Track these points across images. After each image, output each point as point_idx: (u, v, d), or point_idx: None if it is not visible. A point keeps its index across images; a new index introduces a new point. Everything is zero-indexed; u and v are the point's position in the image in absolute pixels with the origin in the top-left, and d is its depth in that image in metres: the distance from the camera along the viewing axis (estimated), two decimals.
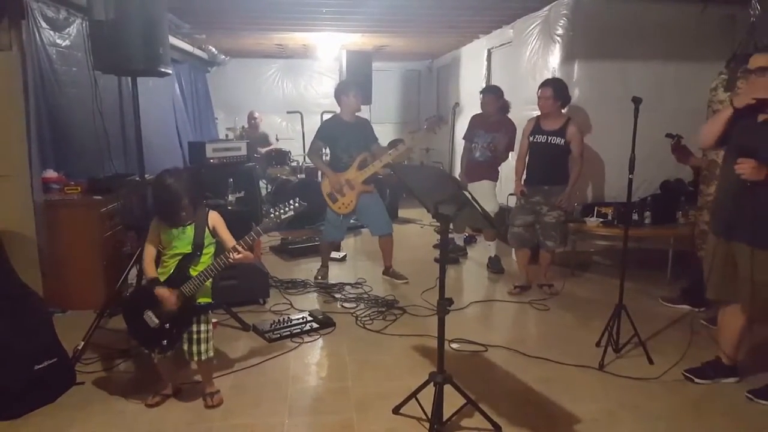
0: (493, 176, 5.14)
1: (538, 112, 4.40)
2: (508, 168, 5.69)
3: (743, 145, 2.61)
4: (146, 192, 3.60)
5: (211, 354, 2.76)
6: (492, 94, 5.12)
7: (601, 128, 5.00)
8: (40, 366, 2.76)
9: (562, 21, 5.00)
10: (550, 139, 4.25)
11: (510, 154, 5.11)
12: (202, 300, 2.70)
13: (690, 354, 3.29)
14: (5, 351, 2.67)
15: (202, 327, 2.70)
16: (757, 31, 4.49)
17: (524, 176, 4.45)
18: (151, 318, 2.62)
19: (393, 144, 4.81)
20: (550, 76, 5.00)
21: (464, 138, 5.37)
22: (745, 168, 2.52)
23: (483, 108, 5.14)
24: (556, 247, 4.44)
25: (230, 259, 2.57)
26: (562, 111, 4.30)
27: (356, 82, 5.32)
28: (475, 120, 5.28)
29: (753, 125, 2.65)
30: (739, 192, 2.64)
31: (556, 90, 4.20)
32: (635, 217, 4.84)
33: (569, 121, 4.25)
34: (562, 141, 4.23)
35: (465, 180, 5.16)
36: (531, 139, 4.35)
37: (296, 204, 2.63)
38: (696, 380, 2.97)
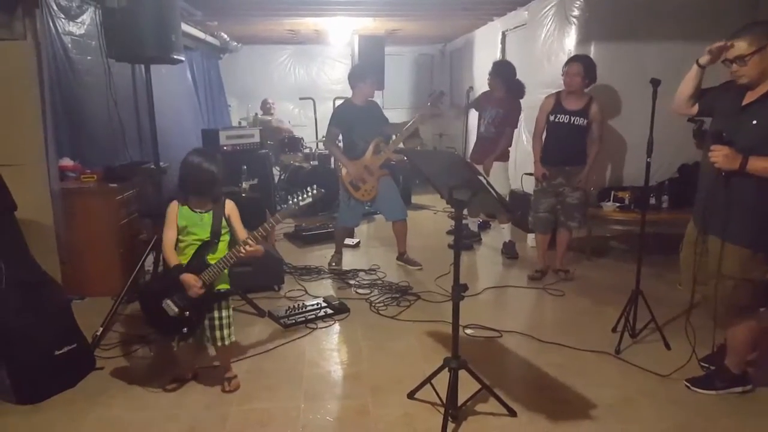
0: (504, 157, 5.10)
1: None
2: (521, 151, 5.66)
3: (720, 130, 2.41)
4: (162, 179, 3.63)
5: (233, 339, 2.79)
6: (491, 72, 5.09)
7: (618, 111, 4.92)
8: (60, 351, 2.81)
9: (577, 2, 4.91)
10: (573, 119, 4.16)
11: (519, 134, 5.07)
12: (221, 287, 2.71)
13: (705, 340, 3.22)
14: (27, 337, 2.72)
15: (224, 313, 2.72)
16: None
17: (542, 156, 4.35)
18: (170, 306, 2.62)
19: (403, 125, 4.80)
20: (566, 59, 4.93)
21: (475, 108, 5.38)
22: (718, 156, 2.34)
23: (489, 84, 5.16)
24: (577, 228, 4.39)
25: (241, 253, 2.57)
26: (585, 90, 4.21)
27: (371, 67, 5.28)
28: (485, 95, 5.27)
29: (736, 109, 2.44)
30: (714, 182, 2.45)
31: (585, 67, 4.07)
32: (652, 201, 4.77)
33: (592, 101, 4.15)
34: (585, 121, 4.14)
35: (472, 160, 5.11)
36: (551, 118, 4.24)
37: (314, 191, 2.66)
38: (700, 391, 2.75)
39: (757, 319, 2.63)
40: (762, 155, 2.31)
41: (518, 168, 5.71)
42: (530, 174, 4.62)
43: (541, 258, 4.58)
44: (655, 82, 2.96)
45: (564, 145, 4.22)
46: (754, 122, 2.36)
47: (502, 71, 5.05)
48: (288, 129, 8.70)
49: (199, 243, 2.65)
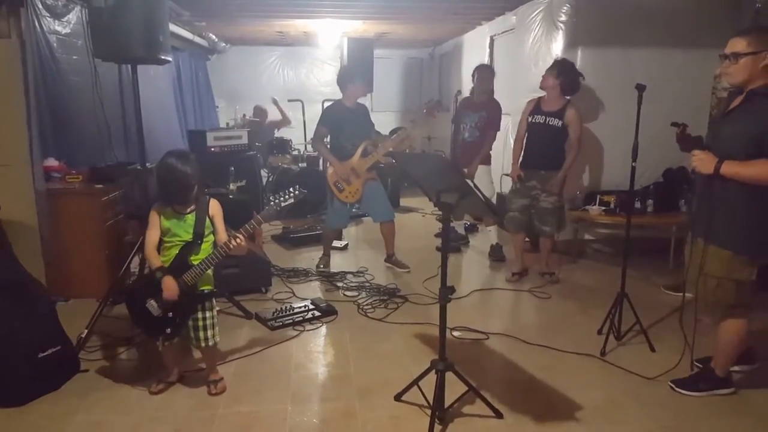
0: (487, 160, 5.14)
1: None
2: (508, 154, 5.68)
3: (705, 136, 2.52)
4: (148, 180, 3.60)
5: (218, 339, 2.78)
6: (488, 70, 5.22)
7: (605, 115, 4.98)
8: (45, 354, 2.78)
9: (565, 7, 4.96)
10: (548, 120, 4.23)
11: (504, 135, 5.12)
12: (205, 287, 2.70)
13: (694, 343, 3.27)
14: (10, 339, 2.68)
15: (207, 314, 2.71)
16: (761, 17, 4.45)
17: (521, 158, 4.43)
18: (154, 307, 2.62)
19: (394, 132, 4.81)
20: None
21: (452, 121, 5.40)
22: (696, 160, 2.44)
23: (479, 85, 5.13)
24: (552, 233, 4.43)
25: (230, 247, 2.56)
26: (566, 97, 4.27)
27: (359, 68, 5.29)
28: (462, 103, 5.32)
29: (721, 116, 2.54)
30: (700, 186, 2.54)
31: (559, 70, 4.19)
32: (638, 205, 4.83)
33: (568, 104, 4.23)
34: (560, 123, 4.21)
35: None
36: (530, 119, 4.33)
37: (296, 191, 2.65)
38: (684, 392, 2.78)
39: (746, 320, 2.64)
40: (737, 160, 2.36)
41: (505, 171, 5.74)
42: (507, 175, 4.67)
43: (518, 259, 4.62)
44: (641, 88, 3.00)
45: (539, 147, 4.29)
46: (731, 129, 2.43)
47: (492, 69, 5.18)
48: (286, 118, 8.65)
49: (182, 244, 2.64)
